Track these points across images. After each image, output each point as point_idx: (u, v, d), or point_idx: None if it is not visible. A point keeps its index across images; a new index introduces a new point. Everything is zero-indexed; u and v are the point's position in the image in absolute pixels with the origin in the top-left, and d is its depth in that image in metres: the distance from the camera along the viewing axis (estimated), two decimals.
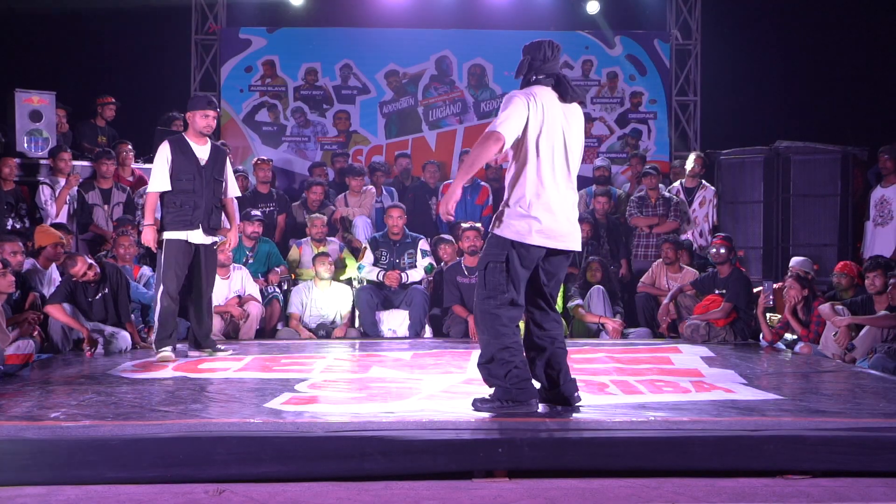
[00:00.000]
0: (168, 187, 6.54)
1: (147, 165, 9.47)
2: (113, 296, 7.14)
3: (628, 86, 12.26)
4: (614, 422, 4.32)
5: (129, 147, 9.44)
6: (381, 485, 3.84)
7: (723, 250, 7.97)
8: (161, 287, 6.53)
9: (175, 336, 6.65)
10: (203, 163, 6.62)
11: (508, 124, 4.39)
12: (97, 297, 7.10)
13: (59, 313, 6.86)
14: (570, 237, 4.57)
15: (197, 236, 6.61)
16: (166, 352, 6.46)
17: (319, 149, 12.05)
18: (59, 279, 7.56)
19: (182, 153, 6.58)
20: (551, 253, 4.54)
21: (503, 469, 3.98)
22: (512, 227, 4.47)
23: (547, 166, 4.46)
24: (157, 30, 11.75)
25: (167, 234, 6.55)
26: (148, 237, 6.58)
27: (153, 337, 6.63)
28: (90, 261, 7.09)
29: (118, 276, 7.21)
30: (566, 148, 4.53)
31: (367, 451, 3.98)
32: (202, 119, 6.60)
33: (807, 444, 4.04)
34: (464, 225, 8.39)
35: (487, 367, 4.54)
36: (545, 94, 4.58)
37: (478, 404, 4.56)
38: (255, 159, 10.21)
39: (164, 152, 6.58)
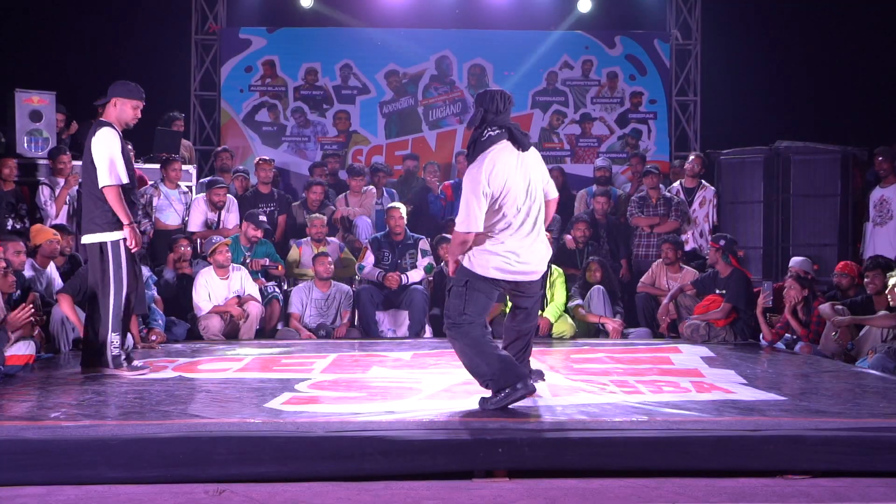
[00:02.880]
0: (128, 180, 5.82)
1: (148, 165, 9.50)
2: None
3: (628, 86, 12.28)
4: (614, 422, 4.32)
5: (130, 147, 9.40)
6: (381, 485, 3.84)
7: (712, 251, 7.98)
8: (123, 291, 5.81)
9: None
10: (129, 155, 6.08)
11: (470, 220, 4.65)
12: None
13: (67, 304, 6.85)
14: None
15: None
16: (131, 363, 5.97)
17: (319, 149, 12.06)
18: (58, 278, 7.57)
19: (123, 142, 5.87)
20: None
21: (503, 469, 3.98)
22: None
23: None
24: (157, 30, 11.75)
25: (121, 234, 5.81)
26: (137, 236, 5.82)
27: (116, 349, 5.85)
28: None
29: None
30: (528, 193, 4.73)
31: (367, 451, 3.98)
32: (133, 111, 5.88)
33: (807, 444, 4.04)
34: None
35: (472, 369, 4.74)
36: (499, 155, 4.66)
37: (482, 402, 4.65)
38: (257, 159, 10.22)
39: (115, 138, 5.76)
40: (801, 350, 7.22)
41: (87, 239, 5.88)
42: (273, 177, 9.97)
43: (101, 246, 5.80)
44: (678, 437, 4.10)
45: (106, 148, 5.73)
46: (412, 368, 6.21)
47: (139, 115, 5.96)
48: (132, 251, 5.85)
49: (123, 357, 5.90)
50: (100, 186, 5.74)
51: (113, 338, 5.84)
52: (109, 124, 5.83)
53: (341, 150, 12.02)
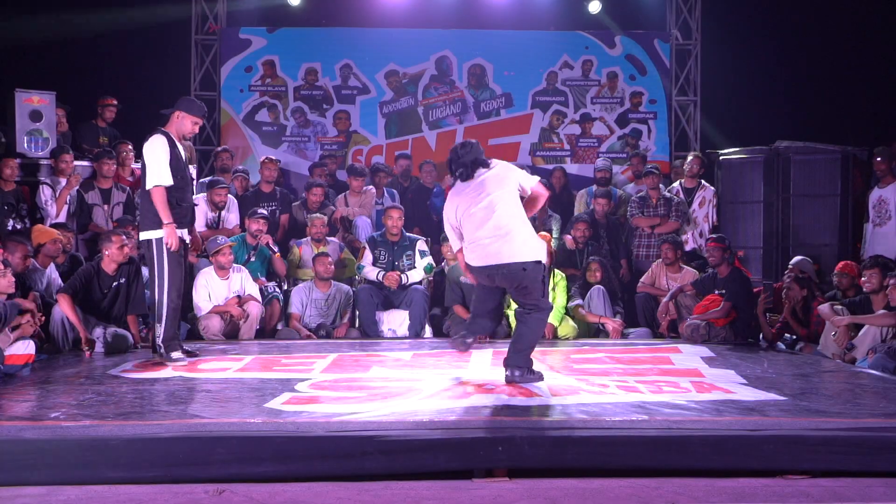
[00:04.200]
0: (172, 182, 6.31)
1: None
2: (127, 287, 7.16)
3: (628, 86, 12.28)
4: (614, 422, 4.32)
5: (130, 147, 9.43)
6: (381, 485, 3.84)
7: (717, 252, 7.95)
8: (168, 285, 6.30)
9: (179, 337, 6.60)
10: (184, 161, 6.55)
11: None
12: (112, 288, 7.14)
13: (67, 304, 6.85)
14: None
15: (185, 234, 6.53)
16: (178, 353, 6.38)
17: (319, 149, 12.06)
18: (58, 279, 7.57)
19: (173, 148, 6.38)
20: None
21: (503, 469, 3.99)
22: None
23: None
24: (157, 30, 11.75)
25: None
26: (174, 237, 6.28)
27: (160, 339, 6.36)
28: (125, 241, 7.17)
29: (131, 266, 7.23)
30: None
31: (367, 451, 3.98)
32: (193, 126, 6.51)
33: (807, 444, 4.04)
34: None
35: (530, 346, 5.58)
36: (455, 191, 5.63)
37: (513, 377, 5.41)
38: (263, 158, 10.21)
39: (163, 145, 6.31)
40: (802, 350, 7.22)
41: (142, 236, 6.44)
42: (277, 176, 9.99)
43: (150, 243, 6.35)
44: (678, 437, 4.11)
45: (153, 152, 6.31)
46: (412, 368, 6.21)
47: (196, 130, 6.65)
48: (171, 249, 6.31)
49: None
50: (146, 188, 6.32)
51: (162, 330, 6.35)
52: (162, 131, 6.39)
53: (341, 150, 12.02)
